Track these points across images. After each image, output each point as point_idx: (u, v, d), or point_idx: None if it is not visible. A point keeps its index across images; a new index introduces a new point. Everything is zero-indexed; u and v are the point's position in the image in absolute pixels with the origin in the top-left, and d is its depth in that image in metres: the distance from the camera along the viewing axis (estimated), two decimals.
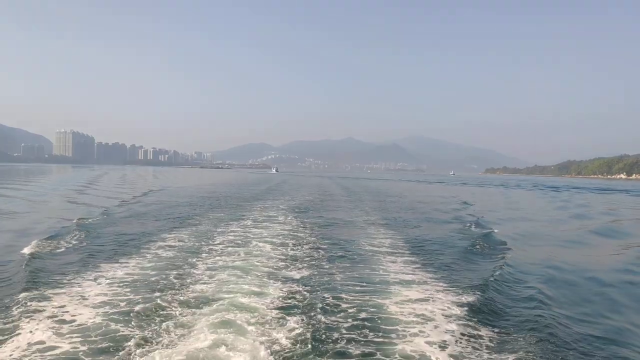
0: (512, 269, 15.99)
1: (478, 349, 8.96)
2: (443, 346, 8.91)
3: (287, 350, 8.54)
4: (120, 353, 8.39)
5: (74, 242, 19.17)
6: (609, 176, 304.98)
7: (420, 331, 9.72)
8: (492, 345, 9.20)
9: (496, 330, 10.06)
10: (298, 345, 8.78)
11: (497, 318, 10.90)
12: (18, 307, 10.57)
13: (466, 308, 11.22)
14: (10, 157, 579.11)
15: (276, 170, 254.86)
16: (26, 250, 16.79)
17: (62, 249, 17.81)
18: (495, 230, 25.84)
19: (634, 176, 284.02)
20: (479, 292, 12.56)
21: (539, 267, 16.76)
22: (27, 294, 11.48)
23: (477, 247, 20.53)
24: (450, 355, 8.58)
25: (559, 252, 20.46)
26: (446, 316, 10.72)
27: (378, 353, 8.71)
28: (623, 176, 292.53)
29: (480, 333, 9.79)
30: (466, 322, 10.30)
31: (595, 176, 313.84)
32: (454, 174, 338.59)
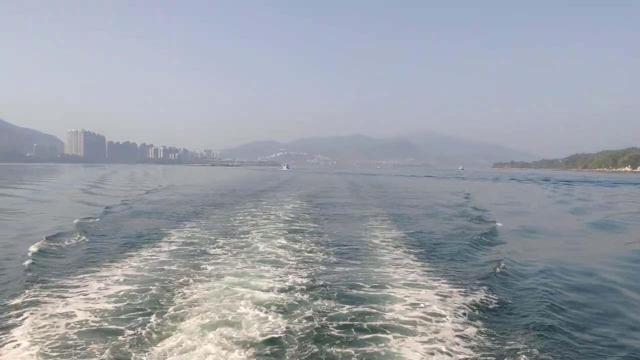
0: (515, 264, 16.32)
1: (481, 344, 9.15)
2: (444, 341, 9.15)
3: (285, 345, 9.07)
4: (123, 350, 8.66)
5: (83, 239, 20.32)
6: (614, 169, 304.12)
7: (420, 325, 10.16)
8: (495, 339, 9.41)
9: (499, 324, 10.33)
10: (298, 339, 9.33)
11: (501, 313, 11.16)
12: (21, 305, 10.97)
13: (469, 303, 11.54)
14: (23, 157, 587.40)
15: (287, 168, 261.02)
16: (32, 248, 17.55)
17: (70, 246, 18.82)
18: (499, 224, 26.57)
19: (639, 169, 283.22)
20: (482, 287, 12.92)
21: (544, 261, 17.03)
22: (30, 291, 12.07)
23: (480, 240, 21.15)
24: (452, 350, 8.78)
25: (564, 245, 21.16)
26: (448, 310, 11.13)
27: (377, 348, 9.07)
28: (628, 169, 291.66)
29: (483, 327, 10.07)
30: (469, 317, 10.63)
31: (601, 169, 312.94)
32: (462, 169, 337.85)
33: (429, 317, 10.72)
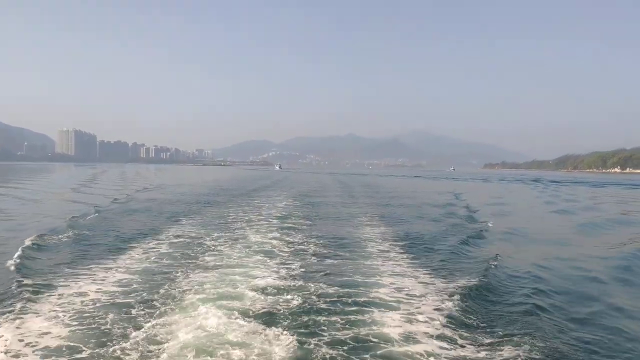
0: (506, 263, 16.32)
1: (469, 343, 9.10)
2: (422, 313, 9.61)
3: (278, 316, 10.22)
4: (114, 348, 8.57)
5: (85, 233, 21.13)
6: (604, 170, 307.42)
7: (402, 303, 11.26)
8: (483, 339, 9.34)
9: (487, 323, 10.28)
10: (290, 313, 10.45)
11: (489, 311, 11.12)
12: (9, 305, 10.79)
13: (458, 301, 11.47)
14: (14, 155, 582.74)
15: (280, 167, 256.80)
16: (26, 242, 17.67)
17: (62, 245, 18.65)
18: (483, 220, 27.07)
19: (628, 170, 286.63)
20: (471, 286, 12.81)
21: (533, 261, 17.09)
22: (19, 289, 11.87)
23: (470, 240, 21.16)
24: (441, 349, 8.77)
25: (554, 245, 21.04)
26: (428, 293, 11.96)
27: (361, 317, 10.27)
28: (617, 170, 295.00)
29: (471, 327, 10.01)
30: (458, 316, 10.54)
31: (591, 170, 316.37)
32: (453, 170, 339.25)
33: (410, 297, 11.96)
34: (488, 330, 9.93)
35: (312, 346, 8.88)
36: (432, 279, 14.02)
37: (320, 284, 12.96)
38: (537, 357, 8.54)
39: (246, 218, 27.69)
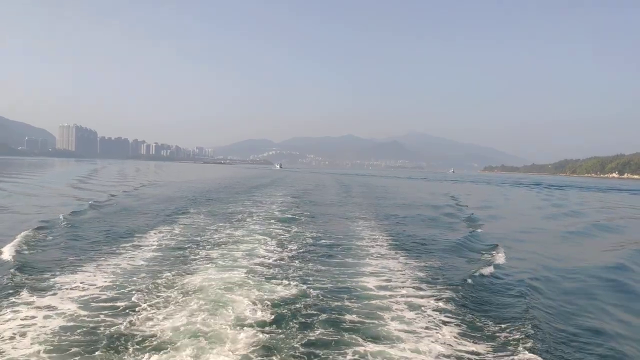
0: (501, 266, 16.26)
1: (463, 345, 9.07)
2: (428, 342, 9.06)
3: (275, 275, 13.24)
4: (105, 346, 8.34)
5: (96, 223, 22.18)
6: (602, 175, 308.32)
7: (385, 273, 14.07)
8: (478, 341, 9.35)
9: (482, 325, 10.22)
10: (284, 273, 13.56)
11: (484, 314, 11.07)
12: (6, 294, 10.77)
13: (453, 303, 11.49)
14: (14, 150, 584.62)
15: (280, 167, 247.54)
16: (16, 240, 17.00)
17: (58, 240, 18.02)
18: (485, 226, 26.85)
19: (626, 175, 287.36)
20: (467, 288, 12.86)
21: (529, 264, 17.16)
22: (12, 285, 11.61)
23: (467, 242, 21.00)
24: (434, 351, 8.74)
25: (549, 249, 20.89)
26: (432, 310, 11.38)
27: (347, 277, 13.34)
28: (615, 175, 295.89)
29: (465, 329, 9.92)
30: (452, 318, 10.49)
31: (589, 175, 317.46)
32: (453, 172, 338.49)
33: (392, 270, 14.79)
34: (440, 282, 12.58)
35: (304, 287, 12.11)
36: (410, 260, 16.52)
37: (314, 258, 16.10)
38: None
39: (248, 210, 29.55)
